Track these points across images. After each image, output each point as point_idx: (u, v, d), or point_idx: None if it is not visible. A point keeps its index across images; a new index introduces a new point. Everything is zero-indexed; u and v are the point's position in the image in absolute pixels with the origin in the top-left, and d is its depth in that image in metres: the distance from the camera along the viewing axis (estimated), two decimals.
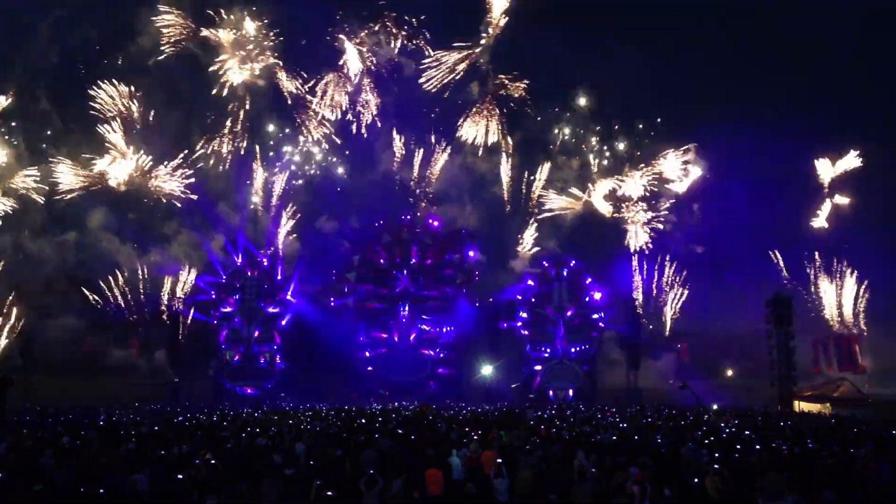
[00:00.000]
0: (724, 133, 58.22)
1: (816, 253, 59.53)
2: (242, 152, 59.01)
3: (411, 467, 14.53)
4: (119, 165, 54.77)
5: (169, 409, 37.71)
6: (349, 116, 60.58)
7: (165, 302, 56.18)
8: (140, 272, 55.65)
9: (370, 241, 59.36)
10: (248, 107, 58.51)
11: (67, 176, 54.19)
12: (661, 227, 61.65)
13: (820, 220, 61.50)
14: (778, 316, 50.36)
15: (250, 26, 57.32)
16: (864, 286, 58.21)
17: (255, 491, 12.99)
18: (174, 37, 56.35)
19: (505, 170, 62.96)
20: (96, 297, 54.25)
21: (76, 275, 55.58)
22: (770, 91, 67.14)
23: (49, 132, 56.56)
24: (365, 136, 60.87)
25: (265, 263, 57.39)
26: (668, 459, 16.26)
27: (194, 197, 56.86)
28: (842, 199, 61.50)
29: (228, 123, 58.57)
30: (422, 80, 60.04)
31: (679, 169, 61.61)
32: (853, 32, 61.30)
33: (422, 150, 61.76)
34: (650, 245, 61.47)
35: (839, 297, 59.03)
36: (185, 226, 57.78)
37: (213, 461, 14.69)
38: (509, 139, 62.78)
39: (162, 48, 55.69)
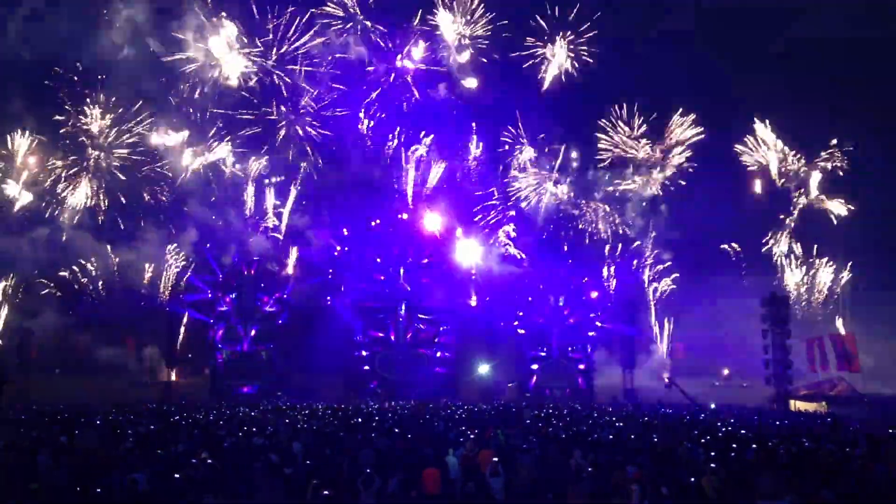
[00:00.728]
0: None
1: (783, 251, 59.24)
2: (219, 149, 57.54)
3: (408, 466, 14.56)
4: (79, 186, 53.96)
5: (166, 408, 37.65)
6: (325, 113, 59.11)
7: (160, 299, 55.71)
8: (115, 269, 54.62)
9: (367, 240, 59.32)
10: (219, 108, 56.79)
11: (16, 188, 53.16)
12: (631, 233, 60.56)
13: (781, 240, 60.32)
14: (774, 315, 50.62)
15: (229, 30, 55.74)
16: (846, 281, 58.03)
17: (252, 490, 13.01)
18: (130, 30, 54.56)
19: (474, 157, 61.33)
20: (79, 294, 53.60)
21: (55, 273, 54.75)
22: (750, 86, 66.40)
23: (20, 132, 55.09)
24: (336, 134, 59.49)
25: (261, 262, 57.28)
26: (665, 458, 16.31)
27: (192, 209, 56.06)
28: (830, 202, 60.59)
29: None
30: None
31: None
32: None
33: (393, 148, 60.62)
34: (620, 256, 60.66)
35: (818, 292, 58.90)
36: (168, 224, 56.81)
37: (210, 460, 14.70)
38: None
39: (117, 43, 53.67)
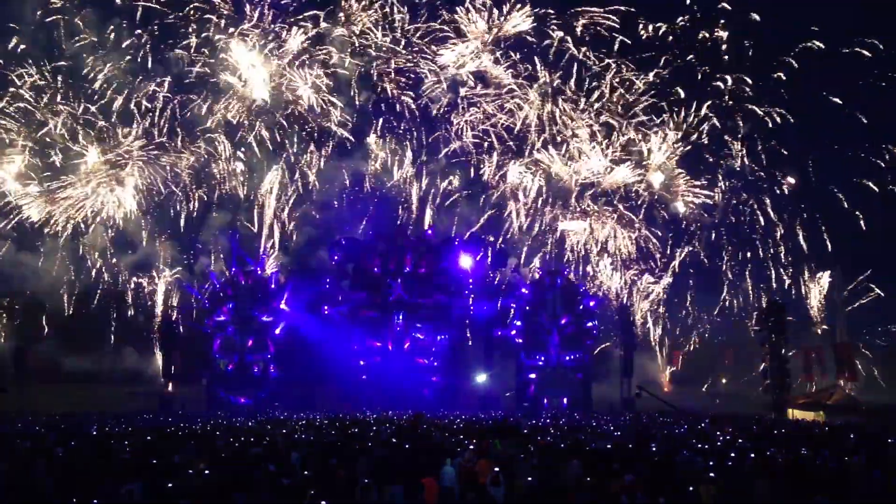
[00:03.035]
0: None
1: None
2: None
3: (406, 476, 14.52)
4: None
5: (162, 419, 37.50)
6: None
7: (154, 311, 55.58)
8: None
9: (364, 249, 59.26)
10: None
11: None
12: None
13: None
14: (771, 324, 50.61)
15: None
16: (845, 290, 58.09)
17: (249, 501, 12.95)
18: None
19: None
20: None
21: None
22: None
23: None
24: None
25: (258, 272, 57.18)
26: (663, 467, 16.28)
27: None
28: None
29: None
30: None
31: None
32: None
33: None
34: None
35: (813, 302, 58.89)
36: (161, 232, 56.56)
37: (207, 471, 14.64)
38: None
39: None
